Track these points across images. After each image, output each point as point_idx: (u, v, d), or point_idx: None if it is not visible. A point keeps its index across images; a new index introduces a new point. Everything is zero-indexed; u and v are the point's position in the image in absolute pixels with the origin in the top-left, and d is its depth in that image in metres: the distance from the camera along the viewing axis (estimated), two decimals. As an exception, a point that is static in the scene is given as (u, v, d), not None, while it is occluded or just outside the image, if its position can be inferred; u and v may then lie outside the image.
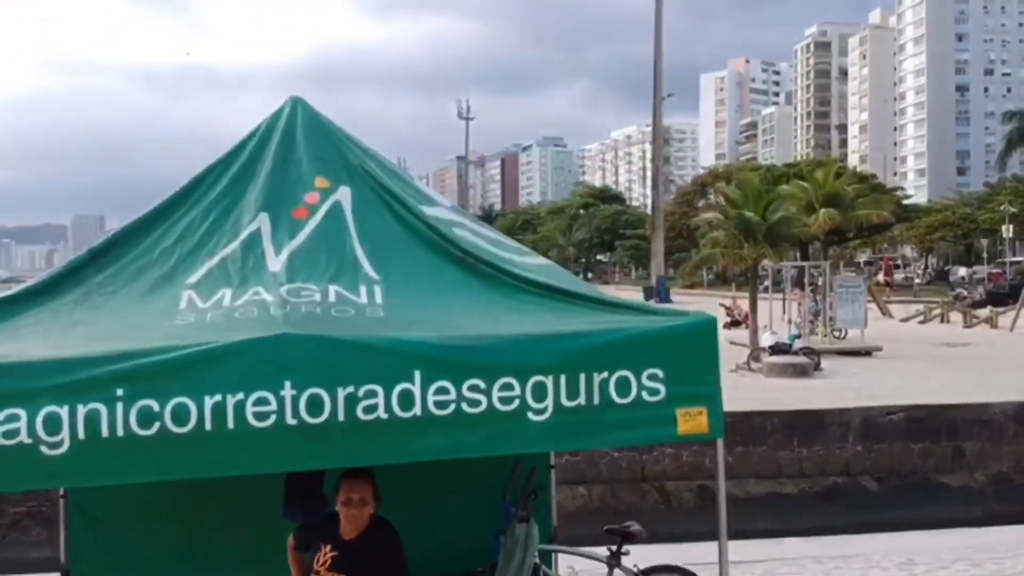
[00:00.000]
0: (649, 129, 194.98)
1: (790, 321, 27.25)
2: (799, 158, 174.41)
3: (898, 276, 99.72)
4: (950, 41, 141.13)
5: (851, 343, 24.86)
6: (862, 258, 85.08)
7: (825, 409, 15.46)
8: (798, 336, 22.06)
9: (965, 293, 46.95)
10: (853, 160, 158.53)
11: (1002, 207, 63.83)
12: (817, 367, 21.02)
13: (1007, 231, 64.01)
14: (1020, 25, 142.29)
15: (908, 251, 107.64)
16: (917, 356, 24.16)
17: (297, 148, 4.54)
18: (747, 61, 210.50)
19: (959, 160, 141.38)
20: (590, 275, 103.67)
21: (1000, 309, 34.51)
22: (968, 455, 15.29)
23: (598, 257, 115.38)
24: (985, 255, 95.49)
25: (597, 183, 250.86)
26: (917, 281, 56.33)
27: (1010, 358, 23.75)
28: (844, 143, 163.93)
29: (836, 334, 25.68)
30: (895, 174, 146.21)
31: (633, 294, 62.92)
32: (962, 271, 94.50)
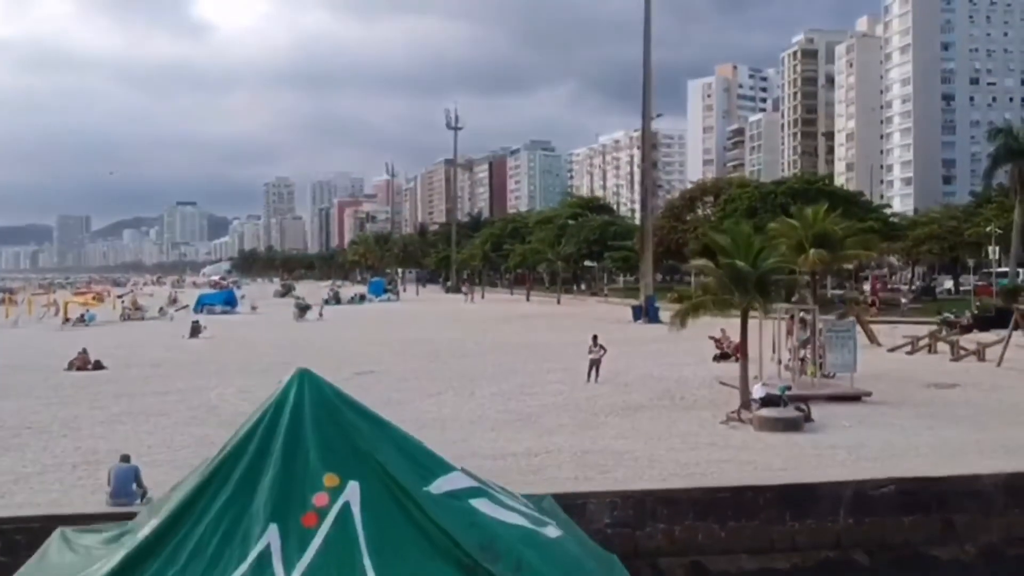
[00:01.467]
0: (637, 135, 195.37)
1: (779, 362, 27.36)
2: (786, 165, 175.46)
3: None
4: (936, 50, 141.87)
5: (841, 387, 24.94)
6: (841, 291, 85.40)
7: (817, 483, 15.52)
8: (788, 388, 22.11)
9: (952, 317, 47.11)
10: (840, 168, 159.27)
11: (988, 228, 64.14)
12: (808, 418, 21.10)
13: (993, 252, 64.35)
14: (1005, 35, 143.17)
15: (894, 259, 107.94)
16: (906, 401, 24.27)
17: (305, 437, 4.55)
18: (734, 67, 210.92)
19: (945, 169, 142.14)
20: (581, 285, 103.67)
21: (987, 342, 34.63)
22: (958, 527, 15.39)
23: (586, 263, 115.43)
24: (971, 264, 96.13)
25: (585, 187, 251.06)
26: (904, 301, 56.46)
27: (997, 405, 23.90)
28: (831, 150, 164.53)
29: (826, 375, 25.76)
30: (881, 182, 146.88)
31: (621, 310, 63.35)
32: (948, 283, 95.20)
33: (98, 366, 34.35)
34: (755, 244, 22.79)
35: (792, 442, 19.20)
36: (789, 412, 20.84)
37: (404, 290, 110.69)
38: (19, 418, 23.12)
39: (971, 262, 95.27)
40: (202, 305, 73.58)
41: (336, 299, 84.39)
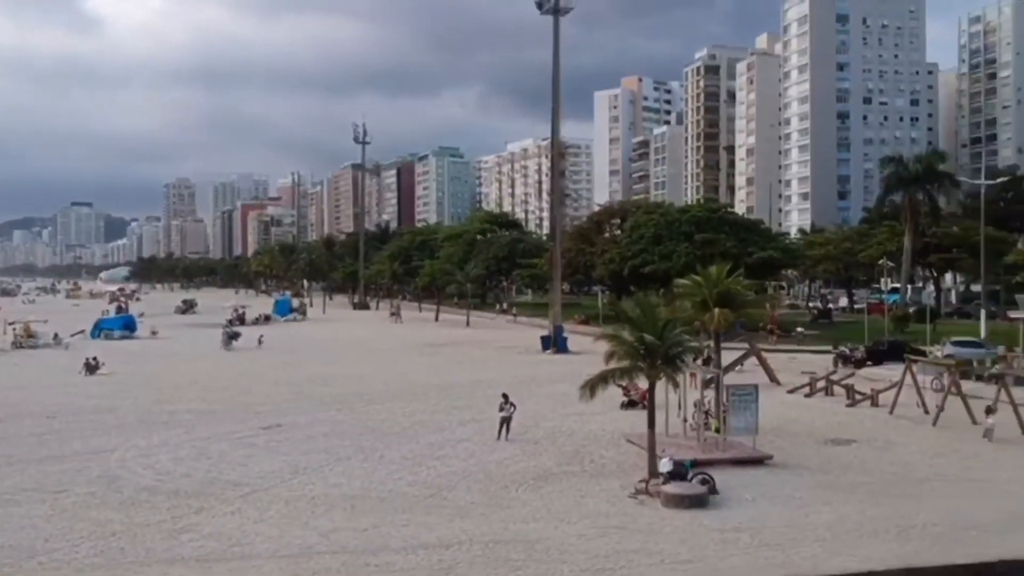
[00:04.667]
0: (545, 143, 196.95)
1: (685, 420, 27.98)
2: (690, 177, 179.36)
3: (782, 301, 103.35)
4: (832, 70, 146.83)
5: (744, 450, 25.62)
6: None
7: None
8: (694, 463, 22.63)
9: (847, 351, 48.93)
10: (740, 182, 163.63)
11: (880, 260, 66.89)
12: (713, 490, 21.62)
13: (884, 284, 67.11)
14: (896, 56, 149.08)
15: (792, 273, 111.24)
16: (805, 465, 25.07)
17: None
18: (639, 80, 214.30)
19: (840, 185, 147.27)
20: (499, 305, 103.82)
21: (881, 387, 36.04)
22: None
23: (494, 282, 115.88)
24: (864, 280, 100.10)
25: (494, 195, 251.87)
26: (800, 330, 58.35)
27: (890, 469, 24.87)
28: (732, 164, 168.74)
29: (727, 437, 26.39)
30: (780, 196, 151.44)
31: (530, 335, 63.72)
32: (843, 299, 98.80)
33: (-13, 419, 32.92)
34: (661, 316, 23.23)
35: (698, 523, 19.63)
36: (695, 488, 21.31)
37: (311, 304, 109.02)
38: (-98, 499, 21.98)
39: (863, 278, 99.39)
40: (100, 330, 71.28)
41: (240, 321, 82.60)
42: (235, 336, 62.96)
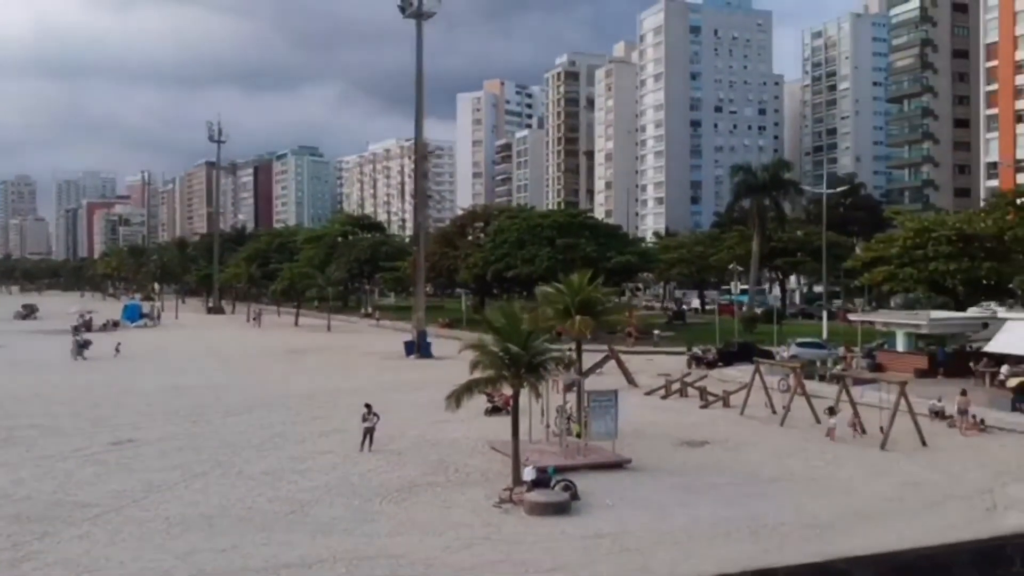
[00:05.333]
0: (408, 144, 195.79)
1: (547, 426, 28.41)
2: (551, 181, 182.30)
3: (637, 303, 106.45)
4: (685, 79, 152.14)
5: (604, 455, 26.23)
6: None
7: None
8: (557, 470, 23.01)
9: (700, 352, 50.80)
10: (600, 186, 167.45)
11: (731, 265, 69.78)
12: (575, 496, 22.04)
13: (734, 287, 70.03)
14: (745, 68, 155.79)
15: (648, 275, 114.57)
16: (662, 467, 25.91)
17: None
18: (502, 83, 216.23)
19: (692, 190, 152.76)
20: (363, 309, 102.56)
21: (731, 388, 37.58)
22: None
23: (356, 284, 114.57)
24: (715, 281, 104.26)
25: (355, 196, 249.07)
26: (656, 332, 60.23)
27: (741, 469, 25.97)
28: (591, 168, 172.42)
29: (588, 442, 26.90)
30: (637, 200, 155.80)
31: (394, 339, 63.29)
32: (695, 301, 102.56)
33: None
34: (524, 326, 23.52)
35: (561, 530, 19.97)
36: (558, 495, 21.68)
37: (163, 308, 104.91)
38: None
39: (715, 280, 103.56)
40: (-73, 339, 66.42)
41: (87, 327, 78.61)
42: (86, 344, 59.67)
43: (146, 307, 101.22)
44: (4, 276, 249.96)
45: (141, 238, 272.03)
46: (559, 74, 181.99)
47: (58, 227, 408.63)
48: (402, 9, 58.56)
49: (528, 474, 22.31)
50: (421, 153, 71.57)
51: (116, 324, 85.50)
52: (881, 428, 29.00)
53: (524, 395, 24.10)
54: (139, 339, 70.21)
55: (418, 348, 56.84)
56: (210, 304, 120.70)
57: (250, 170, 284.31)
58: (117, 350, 59.45)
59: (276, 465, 26.42)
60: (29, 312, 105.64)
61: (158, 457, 27.73)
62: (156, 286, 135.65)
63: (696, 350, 51.64)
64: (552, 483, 22.24)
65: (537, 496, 21.46)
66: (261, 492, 23.32)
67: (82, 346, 59.08)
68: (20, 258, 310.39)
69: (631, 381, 42.48)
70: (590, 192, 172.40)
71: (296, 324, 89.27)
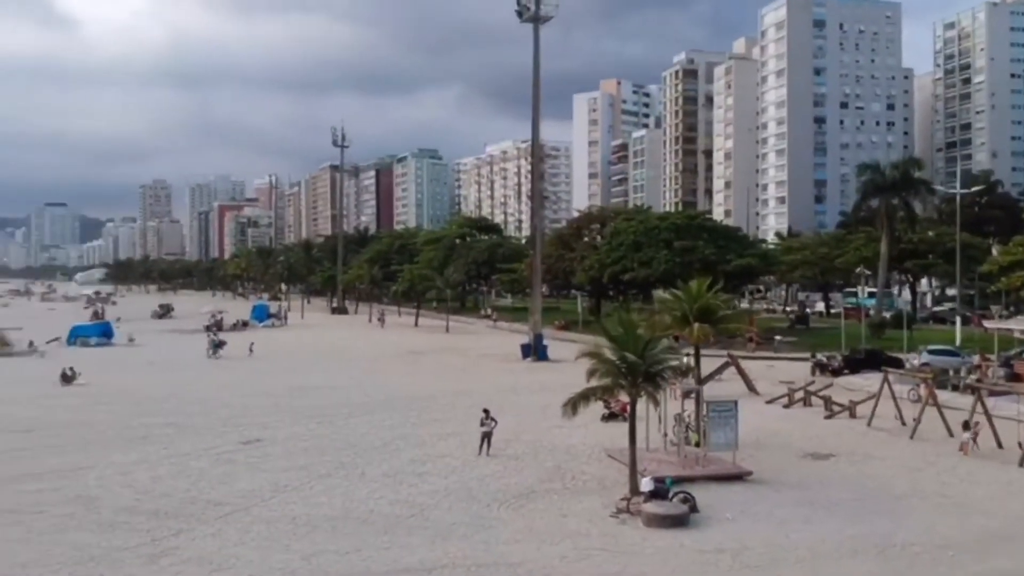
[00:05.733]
0: (525, 145, 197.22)
1: (665, 434, 28.08)
2: (668, 181, 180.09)
3: (759, 306, 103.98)
4: (808, 75, 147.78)
5: (724, 466, 25.75)
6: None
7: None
8: (675, 481, 22.71)
9: (824, 359, 49.28)
10: (718, 185, 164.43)
11: (857, 269, 67.38)
12: (693, 508, 21.72)
13: (861, 291, 67.60)
14: (872, 62, 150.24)
15: (770, 278, 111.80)
16: (784, 480, 25.22)
17: None
18: (619, 83, 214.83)
19: (816, 189, 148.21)
20: (486, 311, 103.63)
21: (858, 398, 36.31)
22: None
23: (474, 285, 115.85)
24: (840, 284, 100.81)
25: (473, 197, 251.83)
26: (778, 338, 58.64)
27: (869, 484, 25.05)
28: (710, 168, 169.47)
29: (707, 452, 26.44)
30: (757, 200, 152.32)
31: (510, 341, 63.63)
32: (820, 306, 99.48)
33: (-38, 434, 32.57)
34: (642, 334, 23.32)
35: (679, 543, 19.71)
36: (676, 507, 21.40)
37: (289, 308, 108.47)
38: None
39: (840, 283, 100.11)
40: (76, 337, 70.60)
41: (218, 327, 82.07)
42: (221, 344, 62.23)
43: (273, 307, 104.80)
44: (143, 276, 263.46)
45: (268, 239, 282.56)
46: (677, 72, 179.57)
47: (191, 229, 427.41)
48: (519, 14, 58.89)
49: (646, 485, 22.11)
50: (538, 159, 71.93)
51: (245, 324, 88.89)
52: (1020, 444, 27.53)
53: (641, 402, 23.91)
54: (267, 339, 72.67)
55: (534, 351, 57.07)
56: (334, 304, 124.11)
57: (372, 173, 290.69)
58: (251, 350, 61.71)
59: (397, 467, 26.97)
60: (165, 311, 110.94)
61: (284, 457, 28.69)
62: (283, 286, 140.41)
63: (820, 357, 50.12)
64: (670, 495, 21.98)
65: (655, 507, 21.24)
66: (382, 495, 23.83)
67: (217, 346, 61.62)
68: (157, 258, 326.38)
69: (752, 389, 41.57)
70: (708, 192, 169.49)
71: (416, 325, 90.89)
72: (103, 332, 73.62)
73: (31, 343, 65.37)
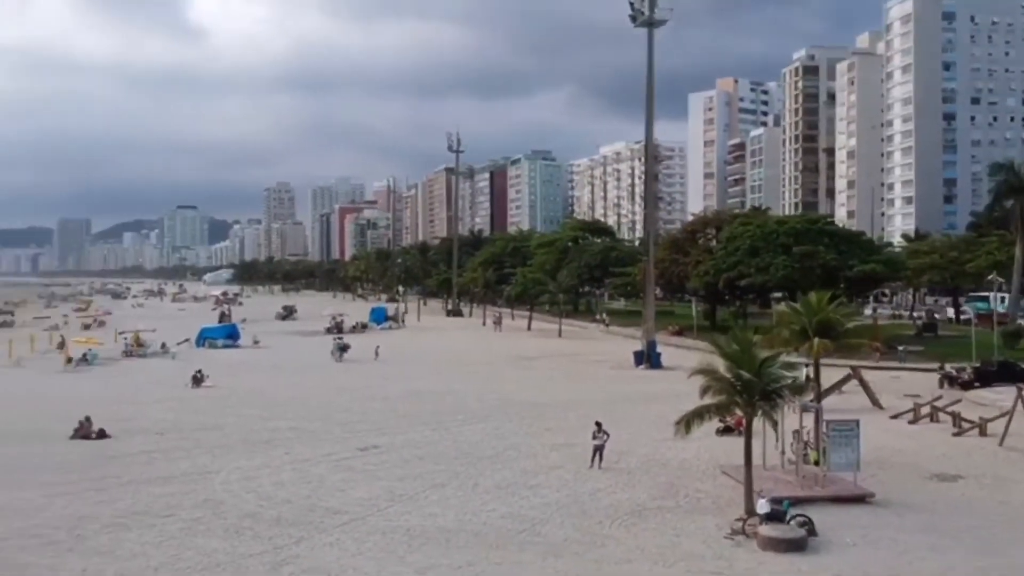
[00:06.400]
0: (638, 146, 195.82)
1: (782, 452, 27.41)
2: (787, 181, 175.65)
3: (884, 311, 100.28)
4: (937, 70, 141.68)
5: (845, 487, 24.96)
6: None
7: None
8: (792, 503, 22.14)
9: (954, 372, 47.13)
10: (841, 185, 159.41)
11: (990, 277, 64.18)
12: (812, 532, 21.14)
13: (996, 300, 64.32)
14: (1006, 55, 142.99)
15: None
16: (908, 503, 24.28)
17: None
18: (735, 81, 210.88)
19: (946, 188, 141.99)
20: (599, 316, 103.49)
21: (990, 415, 34.63)
22: None
23: (587, 288, 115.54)
24: (971, 288, 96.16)
25: (586, 198, 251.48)
26: (901, 348, 56.28)
27: (1000, 510, 23.89)
28: (832, 167, 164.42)
29: (827, 472, 25.66)
30: (882, 200, 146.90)
31: (623, 347, 63.16)
32: (950, 311, 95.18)
33: (102, 435, 34.44)
34: (759, 352, 22.84)
35: (796, 568, 19.24)
36: (793, 531, 20.89)
37: (406, 311, 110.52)
38: (23, 520, 23.10)
39: (971, 288, 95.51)
40: (204, 339, 73.73)
41: (338, 329, 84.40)
42: (346, 348, 63.73)
43: (390, 309, 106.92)
44: (267, 276, 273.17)
45: (387, 241, 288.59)
46: (797, 69, 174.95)
47: (313, 230, 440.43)
48: (633, 18, 58.44)
49: (762, 507, 21.63)
50: (651, 160, 71.27)
51: (364, 326, 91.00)
52: None
53: (758, 419, 23.42)
54: (384, 342, 74.15)
55: (647, 358, 56.56)
56: (449, 307, 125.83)
57: (486, 175, 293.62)
58: (376, 354, 62.94)
59: (509, 479, 27.16)
60: (288, 313, 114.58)
61: (400, 465, 29.27)
62: (400, 289, 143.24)
63: (949, 369, 47.95)
64: (788, 517, 21.45)
65: (771, 530, 20.77)
66: (495, 507, 24.05)
67: (342, 349, 63.14)
68: (281, 259, 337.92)
69: (875, 403, 40.14)
70: (830, 192, 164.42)
71: (528, 328, 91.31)
72: (230, 334, 76.62)
73: (163, 345, 68.57)
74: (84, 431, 34.58)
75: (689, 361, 51.54)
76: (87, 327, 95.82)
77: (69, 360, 59.72)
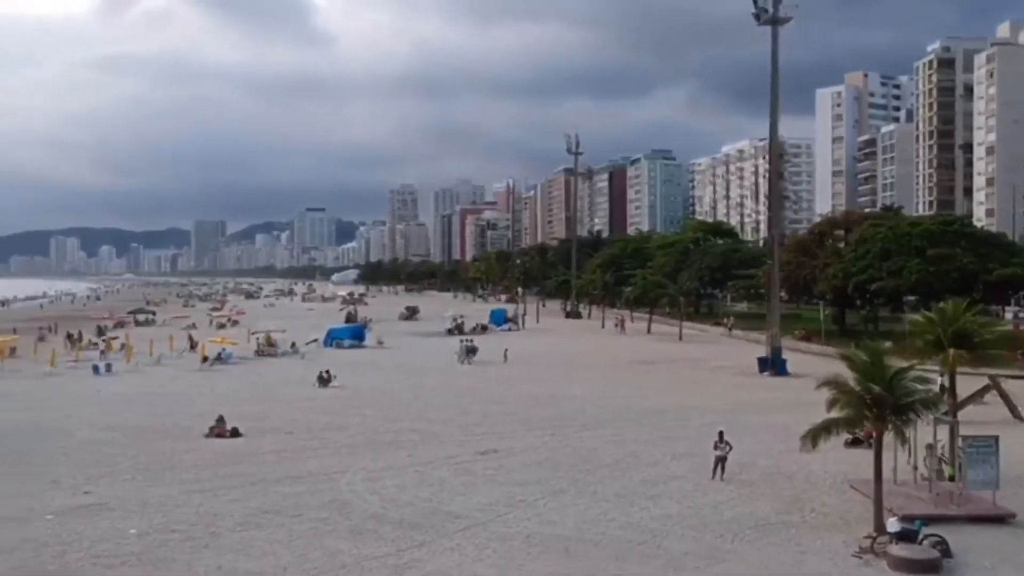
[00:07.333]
0: (762, 144, 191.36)
1: (915, 467, 26.33)
2: (921, 178, 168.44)
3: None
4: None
5: (983, 505, 23.80)
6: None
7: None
8: (925, 523, 21.22)
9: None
10: (979, 183, 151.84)
11: None
12: (946, 553, 20.25)
13: None
14: None
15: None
16: (1054, 526, 22.97)
17: None
18: (865, 75, 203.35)
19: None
20: (726, 320, 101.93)
21: None
22: None
23: (708, 291, 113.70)
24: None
25: (708, 198, 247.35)
26: (1047, 355, 53.12)
27: None
28: (969, 163, 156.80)
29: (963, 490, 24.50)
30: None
31: (746, 353, 61.82)
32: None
33: (235, 433, 35.94)
34: (890, 365, 22.00)
35: (930, 593, 18.46)
36: (926, 551, 20.04)
37: (525, 312, 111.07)
38: (163, 515, 24.29)
39: None
40: (332, 339, 76.02)
41: (459, 330, 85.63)
42: (474, 350, 64.12)
43: (510, 311, 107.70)
44: (392, 277, 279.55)
45: (506, 242, 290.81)
46: (931, 61, 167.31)
47: (435, 231, 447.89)
48: (756, 17, 57.09)
49: (892, 525, 20.82)
50: (776, 158, 69.47)
51: (484, 328, 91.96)
52: None
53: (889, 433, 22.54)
54: (504, 344, 74.72)
55: (772, 365, 55.19)
56: (567, 309, 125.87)
57: (605, 176, 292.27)
58: (505, 357, 63.32)
59: (628, 488, 26.98)
60: (411, 313, 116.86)
61: (520, 470, 29.45)
62: (519, 290, 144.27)
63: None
64: (920, 537, 20.59)
65: (902, 551, 19.97)
66: (614, 516, 23.92)
67: (470, 351, 63.64)
68: (404, 260, 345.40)
69: (1017, 415, 38.10)
70: (967, 190, 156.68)
71: (648, 331, 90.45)
72: (355, 335, 78.76)
73: (293, 344, 71.01)
74: (219, 430, 36.14)
75: (817, 368, 50.25)
76: (222, 326, 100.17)
77: (205, 359, 62.50)
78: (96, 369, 58.22)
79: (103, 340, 78.19)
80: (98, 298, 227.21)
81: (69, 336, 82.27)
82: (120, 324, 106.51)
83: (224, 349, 64.74)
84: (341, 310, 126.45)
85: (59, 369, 59.92)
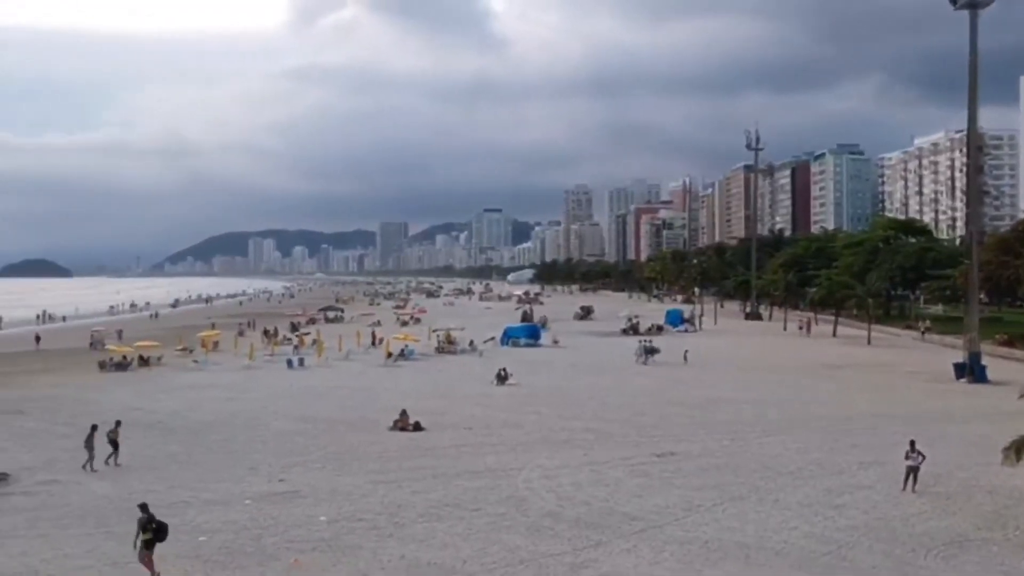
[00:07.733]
0: (959, 136, 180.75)
1: None
2: None
3: None
4: None
5: None
6: None
7: None
8: None
9: None
10: None
11: None
12: None
13: None
14: None
15: None
16: None
17: None
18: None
19: None
20: (892, 312, 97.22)
21: None
22: None
23: (899, 292, 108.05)
24: None
25: (899, 195, 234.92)
26: None
27: None
28: None
29: None
30: None
31: (940, 357, 58.43)
32: None
33: (417, 427, 37.17)
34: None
35: None
36: None
37: (702, 313, 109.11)
38: (351, 504, 25.42)
39: None
40: (508, 338, 77.35)
41: (634, 330, 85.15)
42: (654, 351, 63.76)
43: (686, 311, 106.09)
44: (566, 276, 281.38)
45: (682, 242, 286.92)
46: None
47: (610, 231, 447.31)
48: (952, 1, 53.75)
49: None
50: (975, 150, 65.24)
51: (660, 328, 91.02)
52: None
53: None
54: (683, 345, 73.87)
55: (970, 371, 51.79)
56: (747, 310, 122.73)
57: (787, 172, 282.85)
58: (685, 358, 62.65)
59: (812, 496, 26.00)
60: (586, 313, 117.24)
61: (697, 474, 28.96)
62: (696, 290, 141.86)
63: None
64: None
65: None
66: (796, 525, 23.14)
67: (649, 352, 63.35)
68: (579, 260, 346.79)
69: None
70: None
71: (834, 335, 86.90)
72: (531, 334, 79.77)
73: (471, 342, 72.74)
74: (402, 423, 37.48)
75: (1021, 376, 46.88)
76: (405, 324, 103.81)
77: (389, 355, 64.96)
78: (290, 363, 61.56)
79: (296, 336, 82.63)
80: (292, 296, 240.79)
81: (265, 331, 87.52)
82: (312, 321, 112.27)
83: (407, 346, 67.12)
84: (517, 309, 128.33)
85: (257, 363, 63.77)
